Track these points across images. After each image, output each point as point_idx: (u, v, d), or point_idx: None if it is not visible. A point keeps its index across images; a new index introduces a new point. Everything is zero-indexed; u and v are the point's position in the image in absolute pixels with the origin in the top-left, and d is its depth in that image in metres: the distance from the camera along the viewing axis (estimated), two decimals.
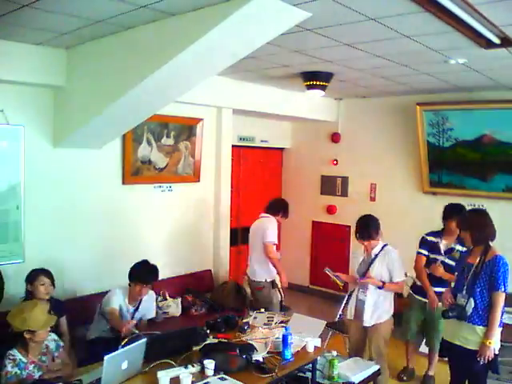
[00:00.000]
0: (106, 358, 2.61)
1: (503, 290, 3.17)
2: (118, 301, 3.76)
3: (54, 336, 3.11)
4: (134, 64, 3.48)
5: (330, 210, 7.10)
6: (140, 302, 3.89)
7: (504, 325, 3.36)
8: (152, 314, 4.06)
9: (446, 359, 3.64)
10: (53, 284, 3.69)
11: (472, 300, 3.23)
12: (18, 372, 2.80)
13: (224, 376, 2.88)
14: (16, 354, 2.84)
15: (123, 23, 3.30)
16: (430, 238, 4.47)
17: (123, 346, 2.90)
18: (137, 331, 3.49)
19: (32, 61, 3.83)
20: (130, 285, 3.81)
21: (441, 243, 4.40)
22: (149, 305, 3.99)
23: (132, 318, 3.82)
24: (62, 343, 3.15)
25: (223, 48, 3.21)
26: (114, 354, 2.69)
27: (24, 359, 2.84)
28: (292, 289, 7.28)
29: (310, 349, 3.39)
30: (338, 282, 4.12)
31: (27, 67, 3.82)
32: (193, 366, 2.96)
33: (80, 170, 4.47)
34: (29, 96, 4.04)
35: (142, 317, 3.95)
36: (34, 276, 3.63)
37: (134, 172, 4.93)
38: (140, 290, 3.77)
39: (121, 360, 2.73)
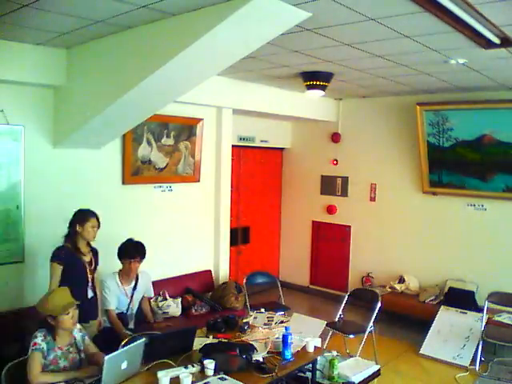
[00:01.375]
0: (106, 358, 2.62)
1: None
2: (112, 292, 3.88)
3: (79, 326, 3.10)
4: (134, 64, 3.48)
5: (330, 210, 7.10)
6: (136, 281, 4.02)
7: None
8: (151, 293, 4.24)
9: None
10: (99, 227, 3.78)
11: None
12: (45, 349, 2.81)
13: (224, 376, 2.88)
14: (48, 334, 2.86)
15: (123, 23, 3.30)
16: None
17: (123, 346, 2.90)
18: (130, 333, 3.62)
19: (32, 61, 3.83)
20: (122, 264, 3.97)
21: None
22: (146, 283, 4.14)
23: (131, 297, 3.96)
24: (86, 334, 3.14)
25: (223, 48, 3.21)
26: (113, 354, 2.70)
27: (53, 342, 2.87)
28: (292, 289, 7.31)
29: (310, 349, 3.38)
30: None
31: (27, 67, 3.82)
32: (193, 366, 2.96)
33: (80, 170, 4.47)
34: (29, 96, 4.04)
35: (146, 294, 4.17)
36: (84, 216, 3.64)
37: (134, 172, 4.94)
38: (130, 265, 3.91)
39: (120, 360, 2.73)
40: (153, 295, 4.34)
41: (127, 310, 3.97)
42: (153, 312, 4.49)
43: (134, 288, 4.01)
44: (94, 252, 3.81)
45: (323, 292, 7.17)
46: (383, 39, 3.58)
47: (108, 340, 3.42)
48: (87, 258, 3.70)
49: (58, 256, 3.55)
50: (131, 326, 3.98)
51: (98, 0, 2.84)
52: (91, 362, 3.01)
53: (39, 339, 2.82)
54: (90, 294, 3.68)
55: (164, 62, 3.19)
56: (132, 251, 3.94)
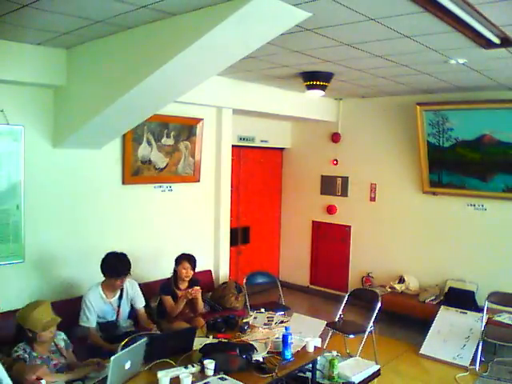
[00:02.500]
0: (112, 358, 2.61)
1: None
2: (95, 308, 3.72)
3: (63, 336, 3.13)
4: (134, 64, 3.48)
5: (330, 209, 7.10)
6: (122, 292, 3.88)
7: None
8: (142, 302, 4.02)
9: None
10: (193, 269, 4.34)
11: None
12: (27, 359, 2.82)
13: (224, 376, 2.88)
14: (26, 347, 2.87)
15: (123, 23, 3.30)
16: None
17: (124, 346, 2.91)
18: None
19: (32, 61, 3.83)
20: (106, 279, 3.79)
21: None
22: (133, 291, 3.97)
23: (118, 307, 3.83)
24: (70, 343, 3.16)
25: (223, 48, 3.21)
26: (119, 354, 2.70)
27: (33, 353, 2.87)
28: (292, 289, 7.31)
29: (310, 349, 3.39)
30: None
31: (27, 67, 3.82)
32: (193, 366, 2.96)
33: (80, 170, 4.47)
34: (29, 96, 4.04)
35: (134, 304, 3.96)
36: (178, 259, 4.35)
37: (134, 172, 4.93)
38: (116, 281, 3.74)
39: (125, 360, 2.74)
40: (143, 304, 4.04)
41: (116, 321, 3.85)
42: (152, 319, 4.24)
43: (120, 298, 3.87)
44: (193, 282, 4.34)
45: (323, 292, 7.17)
46: (383, 39, 3.58)
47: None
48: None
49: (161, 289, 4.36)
50: (126, 329, 3.87)
51: (97, 0, 2.84)
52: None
53: (21, 352, 2.82)
54: None
55: (164, 61, 3.18)
56: (120, 269, 3.74)
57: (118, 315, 3.86)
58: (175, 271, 4.35)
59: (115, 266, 3.74)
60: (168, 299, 4.23)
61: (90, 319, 3.69)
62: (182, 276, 4.28)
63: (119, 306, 3.86)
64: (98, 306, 3.75)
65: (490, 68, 4.42)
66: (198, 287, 4.19)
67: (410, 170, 6.27)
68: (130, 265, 3.84)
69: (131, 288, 3.98)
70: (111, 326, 3.81)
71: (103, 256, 3.83)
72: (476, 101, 5.44)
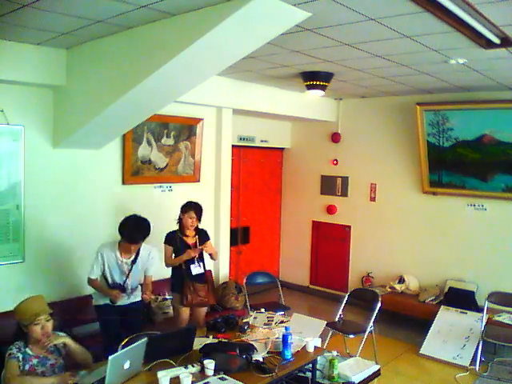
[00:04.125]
0: (110, 358, 2.60)
1: None
2: (106, 263, 3.75)
3: (61, 334, 3.09)
4: (134, 64, 3.48)
5: (330, 210, 7.10)
6: (138, 254, 3.85)
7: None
8: (152, 271, 3.98)
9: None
10: (199, 219, 4.26)
11: None
12: (21, 358, 2.79)
13: (224, 376, 2.88)
14: (22, 345, 2.84)
15: (123, 23, 3.30)
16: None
17: (124, 346, 2.90)
18: (153, 296, 4.04)
19: (32, 61, 3.83)
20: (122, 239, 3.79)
21: None
22: (149, 260, 3.94)
23: (131, 269, 3.81)
24: (69, 340, 3.10)
25: (223, 48, 3.22)
26: (117, 354, 2.69)
27: (30, 352, 2.84)
28: (292, 289, 7.31)
29: (310, 349, 3.38)
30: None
31: (27, 67, 3.82)
32: (193, 366, 2.96)
33: (80, 170, 4.47)
34: (29, 96, 4.04)
35: (145, 272, 3.95)
36: (185, 208, 4.25)
37: (134, 172, 4.94)
38: (130, 248, 3.76)
39: (123, 360, 2.73)
40: (151, 274, 3.99)
41: (124, 283, 3.81)
42: (152, 293, 4.15)
43: (134, 261, 3.83)
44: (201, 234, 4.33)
45: (323, 292, 7.17)
46: (383, 39, 3.58)
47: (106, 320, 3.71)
48: (191, 240, 4.27)
49: (165, 238, 4.29)
50: (132, 299, 3.88)
51: (97, 0, 2.84)
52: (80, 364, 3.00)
53: (14, 351, 2.79)
54: (196, 271, 4.22)
55: (164, 61, 3.19)
56: (135, 235, 3.70)
57: (126, 278, 3.81)
58: (180, 219, 4.29)
59: (131, 231, 3.70)
60: (169, 249, 4.24)
61: (94, 272, 3.74)
62: (187, 225, 4.23)
63: (130, 270, 3.81)
64: (109, 262, 3.75)
65: (490, 68, 4.42)
66: (209, 241, 4.34)
67: (410, 170, 6.27)
68: (148, 232, 3.77)
69: (147, 254, 3.91)
70: (118, 288, 3.77)
71: (123, 218, 3.79)
72: (476, 101, 5.45)
